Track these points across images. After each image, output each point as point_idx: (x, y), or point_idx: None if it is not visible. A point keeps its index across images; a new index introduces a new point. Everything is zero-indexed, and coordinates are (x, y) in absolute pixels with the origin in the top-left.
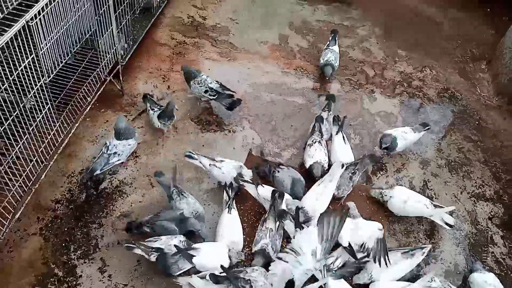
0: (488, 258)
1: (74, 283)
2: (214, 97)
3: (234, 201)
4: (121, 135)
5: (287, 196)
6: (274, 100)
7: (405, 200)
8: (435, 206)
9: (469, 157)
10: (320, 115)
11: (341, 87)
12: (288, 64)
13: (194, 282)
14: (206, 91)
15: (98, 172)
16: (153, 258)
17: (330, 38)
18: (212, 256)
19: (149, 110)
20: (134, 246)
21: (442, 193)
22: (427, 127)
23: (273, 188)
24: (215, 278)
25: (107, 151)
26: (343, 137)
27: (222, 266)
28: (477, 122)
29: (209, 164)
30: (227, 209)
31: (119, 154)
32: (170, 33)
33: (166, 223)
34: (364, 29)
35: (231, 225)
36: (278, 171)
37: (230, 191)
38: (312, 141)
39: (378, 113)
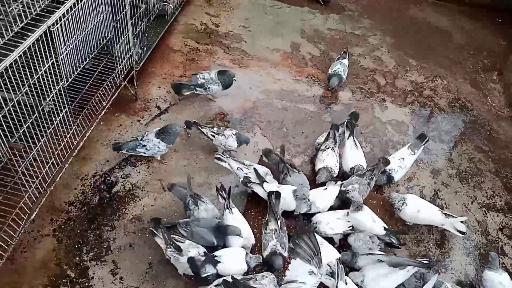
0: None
1: (86, 284)
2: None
3: (230, 201)
4: (164, 134)
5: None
6: (286, 107)
7: (418, 209)
8: (446, 215)
9: (480, 167)
10: (335, 124)
11: (352, 96)
12: (300, 72)
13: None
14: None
15: (123, 151)
16: (169, 252)
17: (342, 52)
18: (233, 262)
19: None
20: (157, 233)
21: (452, 203)
22: (425, 140)
23: (277, 184)
24: (228, 286)
25: (140, 139)
26: (355, 142)
27: (232, 277)
28: (488, 133)
29: (237, 168)
30: (227, 209)
31: (146, 149)
32: (184, 39)
33: (205, 233)
34: (375, 38)
35: (236, 223)
36: (290, 176)
37: (223, 193)
38: (326, 147)
39: (389, 121)
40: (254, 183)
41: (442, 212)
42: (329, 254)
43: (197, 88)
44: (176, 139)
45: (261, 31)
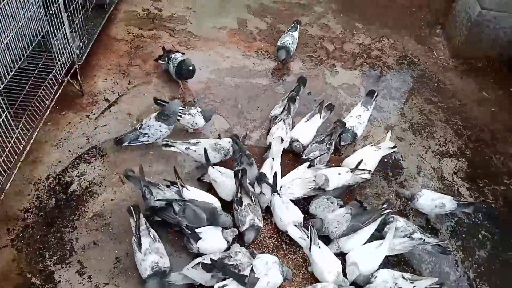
0: (463, 211)
1: None
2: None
3: (181, 180)
4: (164, 116)
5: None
6: (238, 84)
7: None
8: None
9: (431, 118)
10: (292, 96)
11: (303, 65)
12: (249, 47)
13: (190, 274)
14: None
15: (126, 144)
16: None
17: (293, 24)
18: (212, 240)
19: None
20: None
21: (408, 155)
22: (375, 95)
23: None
24: (207, 268)
25: (139, 128)
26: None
27: (210, 258)
28: (436, 84)
29: (185, 148)
30: (182, 188)
31: (149, 136)
32: (126, 27)
33: (198, 210)
34: (320, 6)
35: (195, 196)
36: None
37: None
38: (278, 119)
39: (341, 86)
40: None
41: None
42: (295, 215)
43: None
44: (177, 118)
45: (206, 11)
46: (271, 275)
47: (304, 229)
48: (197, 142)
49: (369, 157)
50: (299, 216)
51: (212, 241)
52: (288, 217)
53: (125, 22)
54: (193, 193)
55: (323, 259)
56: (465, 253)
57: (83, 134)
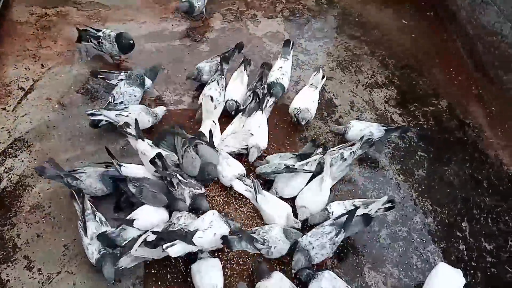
0: (392, 136)
1: None
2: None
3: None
4: (134, 80)
5: None
6: (159, 49)
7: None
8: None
9: (356, 53)
10: (225, 56)
11: (223, 19)
12: (165, 9)
13: (139, 253)
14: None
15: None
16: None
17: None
18: (151, 215)
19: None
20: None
21: (340, 92)
22: (291, 44)
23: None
24: (152, 244)
25: (113, 101)
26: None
27: (152, 232)
28: (357, 19)
29: (116, 115)
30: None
31: (124, 104)
32: (27, 9)
33: (158, 193)
34: None
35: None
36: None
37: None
38: (211, 80)
39: (265, 34)
40: (129, 133)
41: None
42: (236, 169)
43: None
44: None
45: None
46: (215, 227)
47: (247, 180)
48: (125, 107)
49: (314, 96)
50: (241, 169)
51: (147, 217)
52: (230, 172)
53: (25, 3)
54: (130, 169)
55: (270, 206)
56: (405, 175)
57: (3, 128)
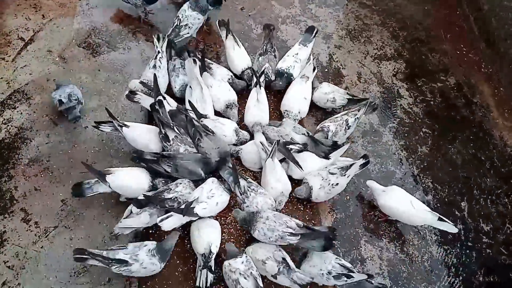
0: (398, 110)
1: (0, 240)
2: None
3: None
4: (198, 6)
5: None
6: (164, 5)
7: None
8: None
9: (367, 23)
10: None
11: None
12: None
13: (127, 223)
14: None
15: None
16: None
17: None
18: (128, 177)
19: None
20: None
21: (347, 62)
22: (314, 32)
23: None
24: (138, 203)
25: (179, 23)
26: (235, 41)
27: (144, 194)
28: None
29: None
30: (121, 127)
31: (189, 27)
32: None
33: (192, 166)
34: None
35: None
36: (202, 141)
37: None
38: None
39: None
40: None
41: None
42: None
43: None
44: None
45: None
46: (217, 195)
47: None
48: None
49: (305, 91)
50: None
51: (128, 178)
52: (230, 127)
53: None
54: (133, 129)
55: (273, 174)
56: (408, 151)
57: (2, 78)
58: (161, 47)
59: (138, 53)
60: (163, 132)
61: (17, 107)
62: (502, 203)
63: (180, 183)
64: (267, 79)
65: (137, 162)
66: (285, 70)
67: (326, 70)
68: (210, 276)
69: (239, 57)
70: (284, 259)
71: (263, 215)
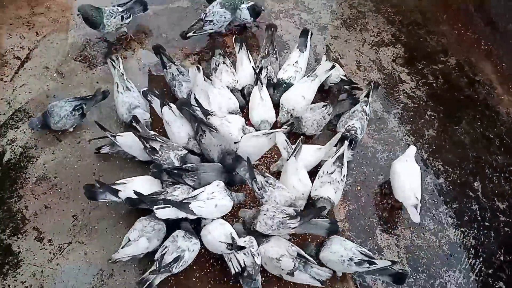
0: (400, 96)
1: (15, 261)
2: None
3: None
4: (228, 4)
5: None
6: (156, 12)
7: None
8: None
9: (361, 10)
10: None
11: None
12: None
13: (124, 253)
14: (122, 18)
15: (191, 34)
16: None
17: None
18: (141, 188)
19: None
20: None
21: (345, 52)
22: (308, 34)
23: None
24: (131, 202)
25: (204, 18)
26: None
27: (135, 192)
28: None
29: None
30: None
31: (213, 24)
32: None
33: (213, 177)
34: None
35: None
36: (204, 137)
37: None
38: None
39: None
40: (156, 95)
41: None
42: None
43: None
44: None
45: None
46: (217, 198)
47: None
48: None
49: (306, 91)
50: (241, 120)
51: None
52: (235, 126)
53: None
54: (127, 137)
55: (294, 174)
56: (415, 135)
57: (2, 99)
58: (119, 66)
59: (134, 62)
60: (148, 146)
61: (20, 126)
62: None
63: (179, 188)
64: (271, 81)
65: (158, 178)
66: (286, 81)
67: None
68: (241, 257)
69: (244, 73)
70: (299, 254)
71: (264, 207)
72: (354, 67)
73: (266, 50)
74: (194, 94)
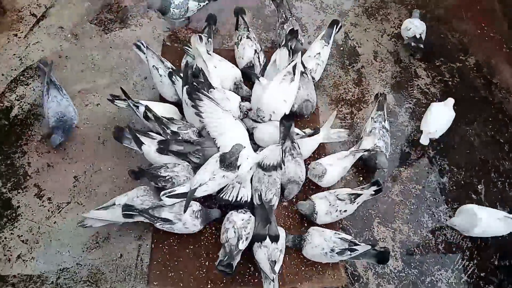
0: (414, 91)
1: (14, 215)
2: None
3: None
4: None
5: None
6: None
7: None
8: None
9: (384, 0)
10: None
11: None
12: None
13: (97, 214)
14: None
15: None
16: None
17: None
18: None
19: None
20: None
21: (364, 41)
22: (338, 26)
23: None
24: (134, 174)
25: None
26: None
27: (139, 167)
28: None
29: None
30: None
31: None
32: None
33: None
34: None
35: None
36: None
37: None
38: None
39: None
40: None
41: None
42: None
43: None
44: None
45: None
46: (218, 178)
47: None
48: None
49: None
50: (237, 98)
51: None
52: (234, 104)
53: None
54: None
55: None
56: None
57: (14, 55)
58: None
59: (150, 30)
60: (169, 132)
61: (30, 83)
62: None
63: (179, 164)
64: (300, 42)
65: (164, 154)
66: (309, 71)
67: (341, 48)
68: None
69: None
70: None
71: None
72: (371, 57)
73: (283, 15)
74: (197, 66)
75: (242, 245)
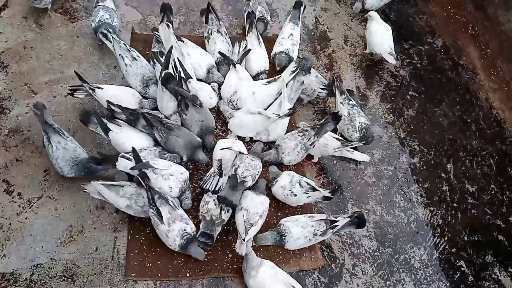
0: (384, 74)
1: None
2: None
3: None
4: None
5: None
6: None
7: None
8: None
9: None
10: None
11: None
12: None
13: (103, 190)
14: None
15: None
16: None
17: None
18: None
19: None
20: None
21: (334, 25)
22: (303, 7)
23: None
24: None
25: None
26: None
27: (132, 147)
28: None
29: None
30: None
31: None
32: None
33: (179, 148)
34: None
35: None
36: (186, 114)
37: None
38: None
39: None
40: None
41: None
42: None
43: None
44: None
45: None
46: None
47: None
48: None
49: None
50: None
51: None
52: (207, 94)
53: None
54: (106, 90)
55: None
56: (394, 114)
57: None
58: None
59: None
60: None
61: None
62: (487, 164)
63: (145, 149)
64: (264, 21)
65: (133, 125)
66: (284, 51)
67: (312, 33)
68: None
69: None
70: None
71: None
72: (341, 41)
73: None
74: (173, 55)
75: (225, 216)
